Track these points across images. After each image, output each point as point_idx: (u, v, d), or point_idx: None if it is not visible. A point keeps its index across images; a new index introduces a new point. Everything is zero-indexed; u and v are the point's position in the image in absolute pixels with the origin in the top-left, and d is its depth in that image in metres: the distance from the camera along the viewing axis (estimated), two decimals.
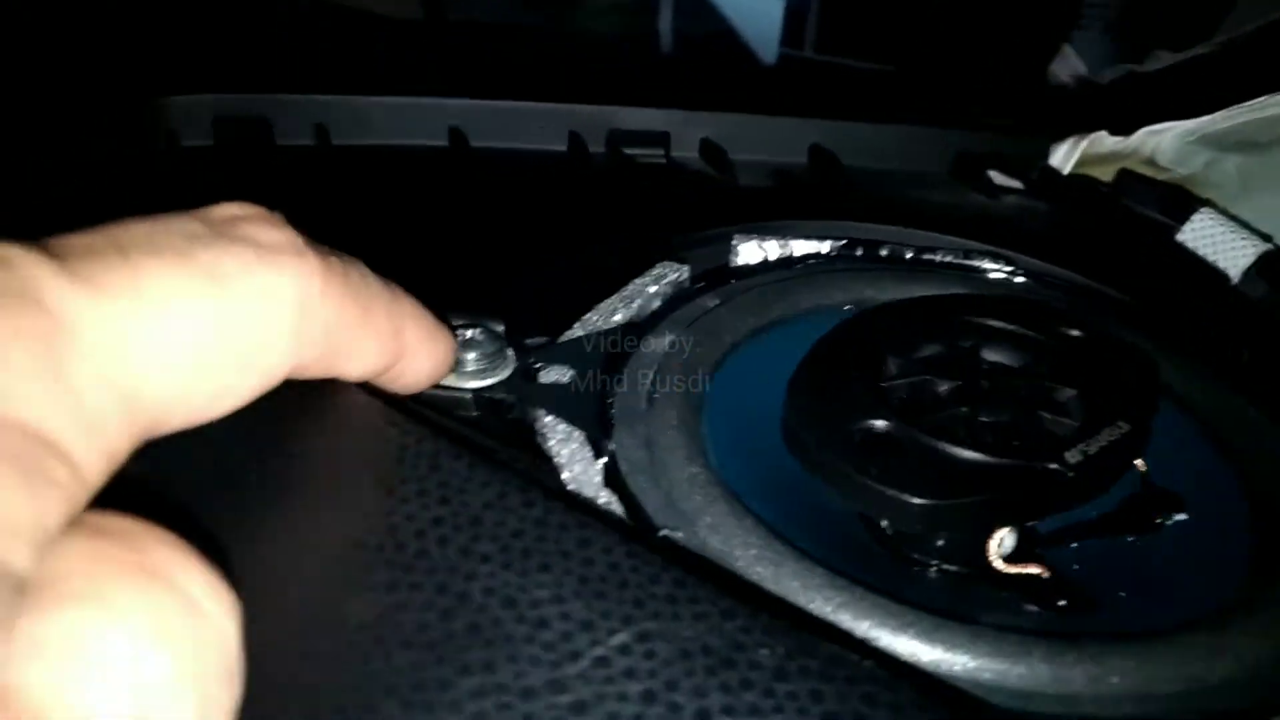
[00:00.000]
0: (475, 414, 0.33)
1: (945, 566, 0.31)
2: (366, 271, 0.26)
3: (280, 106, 0.47)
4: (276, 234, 0.22)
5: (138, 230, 0.20)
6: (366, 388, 0.28)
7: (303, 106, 0.47)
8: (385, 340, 0.26)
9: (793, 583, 0.28)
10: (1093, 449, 0.30)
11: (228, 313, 0.21)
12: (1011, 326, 0.36)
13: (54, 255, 0.18)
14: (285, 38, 0.51)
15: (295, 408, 0.26)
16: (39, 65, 0.43)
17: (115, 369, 0.18)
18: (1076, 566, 0.31)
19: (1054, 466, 0.30)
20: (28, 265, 0.18)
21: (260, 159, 0.45)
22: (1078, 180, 0.51)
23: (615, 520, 0.28)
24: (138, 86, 0.46)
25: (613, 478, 0.31)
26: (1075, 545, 0.32)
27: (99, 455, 0.18)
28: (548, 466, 0.30)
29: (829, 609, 0.27)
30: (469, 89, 0.49)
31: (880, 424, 0.31)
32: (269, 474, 0.25)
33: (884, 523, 0.31)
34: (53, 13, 0.44)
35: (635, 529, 0.28)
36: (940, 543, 0.31)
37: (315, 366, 0.24)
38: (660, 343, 0.36)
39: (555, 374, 0.35)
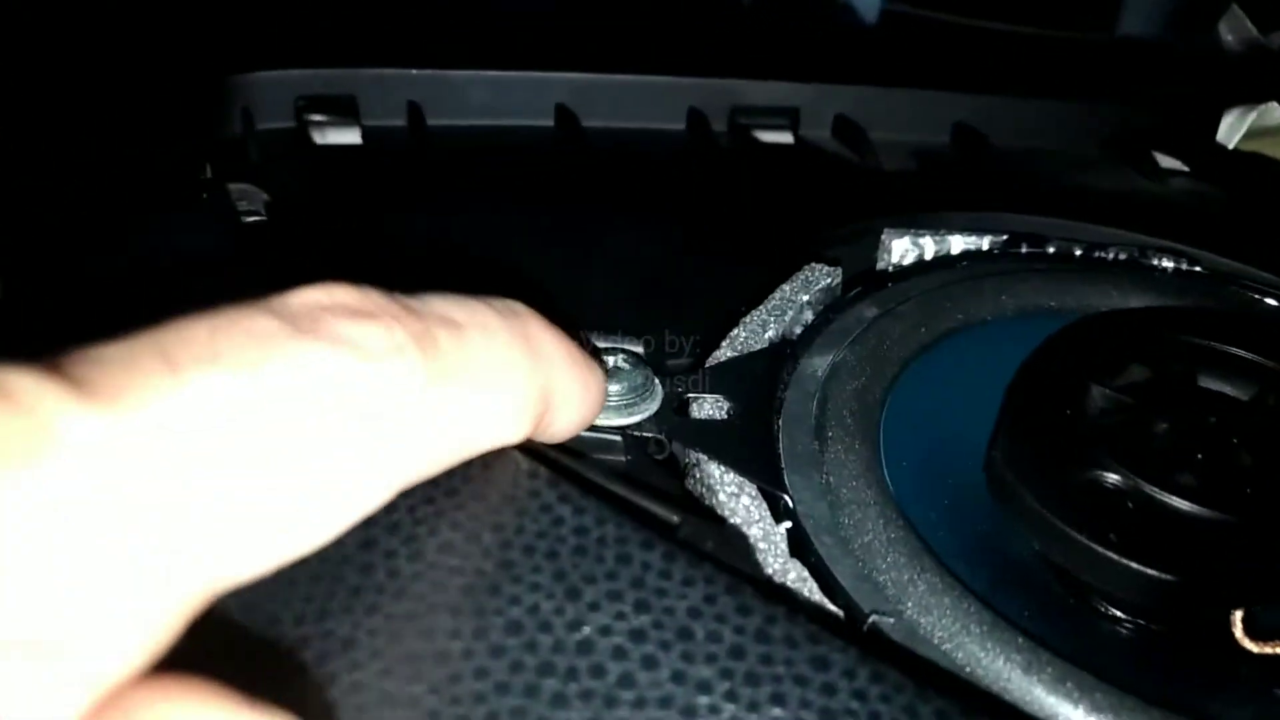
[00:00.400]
0: (626, 458, 0.29)
1: (1154, 627, 0.26)
2: (492, 323, 0.21)
3: (368, 83, 0.42)
4: (369, 329, 0.18)
5: (192, 334, 0.16)
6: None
7: (393, 83, 0.42)
8: (521, 411, 0.22)
9: (1037, 688, 0.23)
10: None
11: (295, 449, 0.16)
12: (1232, 349, 0.31)
13: (77, 385, 0.14)
14: (374, 7, 0.46)
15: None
16: (108, 42, 0.38)
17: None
18: None
19: None
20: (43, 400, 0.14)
21: (344, 141, 0.41)
22: (1247, 159, 0.45)
23: (844, 626, 0.24)
24: (212, 63, 0.41)
25: (798, 543, 0.26)
26: None
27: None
28: (732, 535, 0.26)
29: None
30: (577, 62, 0.44)
31: (1111, 477, 0.27)
32: (410, 568, 0.21)
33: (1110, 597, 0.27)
34: None
35: (860, 631, 0.23)
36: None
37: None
38: (821, 364, 0.32)
39: (709, 407, 0.30)
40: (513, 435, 0.22)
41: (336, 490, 0.18)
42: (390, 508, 0.22)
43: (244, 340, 0.16)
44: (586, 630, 0.20)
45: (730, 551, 0.25)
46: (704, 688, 0.19)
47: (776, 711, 0.19)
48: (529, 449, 0.24)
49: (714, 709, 0.19)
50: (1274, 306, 0.36)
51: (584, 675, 0.19)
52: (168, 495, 0.15)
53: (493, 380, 0.20)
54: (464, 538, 0.21)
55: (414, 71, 0.42)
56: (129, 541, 0.14)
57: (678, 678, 0.19)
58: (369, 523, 0.22)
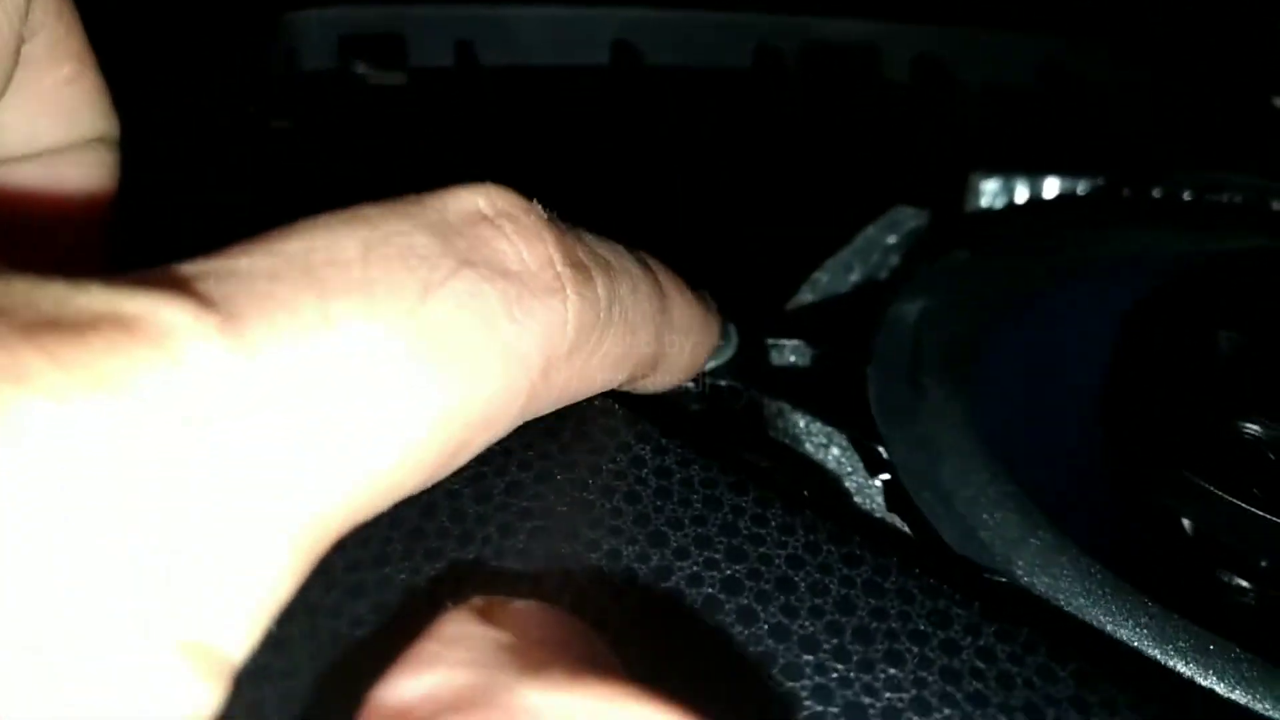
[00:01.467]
0: (698, 407, 0.26)
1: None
2: (635, 272, 0.19)
3: (416, 21, 0.40)
4: (532, 253, 0.16)
5: (344, 254, 0.13)
6: None
7: (442, 20, 0.40)
8: (644, 365, 0.20)
9: (1173, 657, 0.21)
10: None
11: (447, 388, 0.14)
12: None
13: (214, 310, 0.12)
14: None
15: None
16: None
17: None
18: None
19: None
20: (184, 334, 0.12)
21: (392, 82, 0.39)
22: None
23: (966, 579, 0.21)
24: (256, 3, 0.39)
25: (896, 497, 0.24)
26: None
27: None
28: (832, 482, 0.23)
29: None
30: None
31: (1250, 427, 0.24)
32: (475, 510, 0.18)
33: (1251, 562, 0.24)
34: None
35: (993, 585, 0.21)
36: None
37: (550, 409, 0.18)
38: (912, 309, 0.29)
39: (790, 353, 0.28)
40: (616, 385, 0.20)
41: (439, 454, 0.15)
42: None
43: (401, 270, 0.14)
44: (674, 579, 0.17)
45: (831, 500, 0.22)
46: (809, 644, 0.17)
47: (892, 671, 0.16)
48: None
49: (820, 668, 0.16)
50: None
51: (676, 633, 0.17)
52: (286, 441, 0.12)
53: (626, 336, 0.18)
54: (535, 478, 0.19)
55: (464, 7, 0.40)
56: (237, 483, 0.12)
57: (779, 633, 0.17)
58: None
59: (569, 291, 0.16)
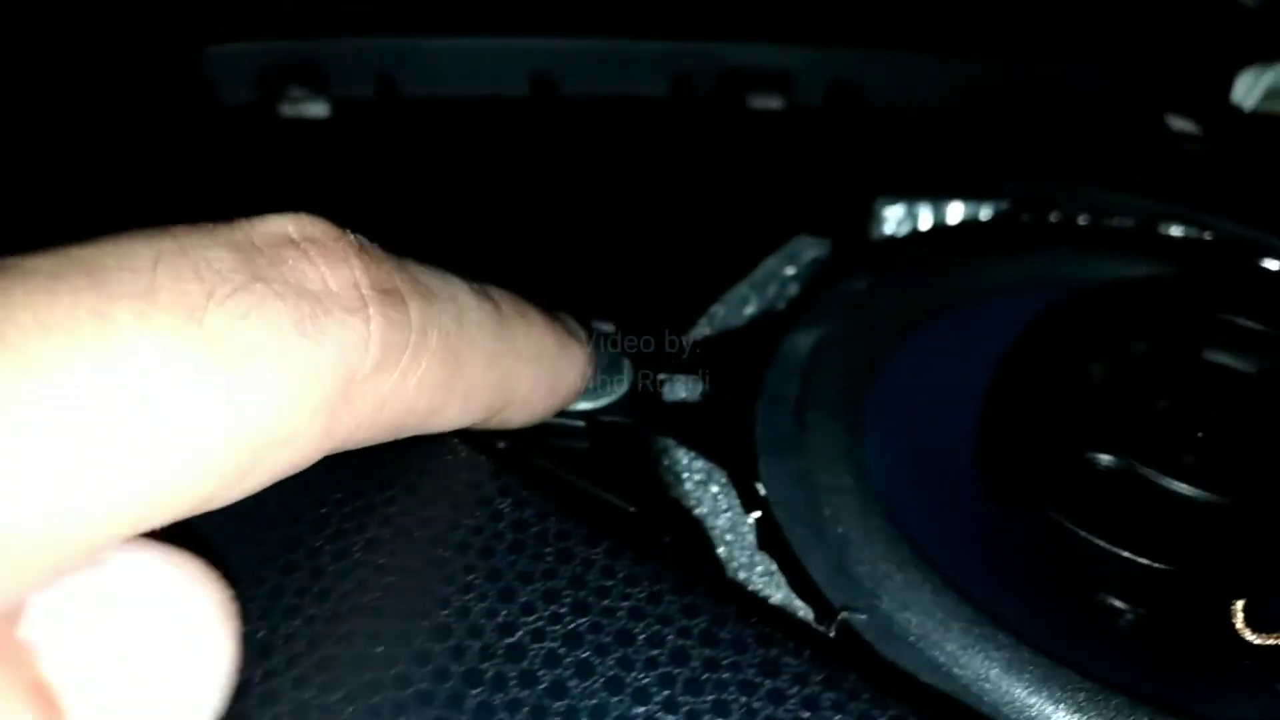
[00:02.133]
0: (588, 445, 0.27)
1: (1149, 618, 0.25)
2: (465, 300, 0.19)
3: (336, 53, 0.40)
4: (335, 275, 0.16)
5: (135, 262, 0.14)
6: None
7: (362, 52, 0.40)
8: (480, 396, 0.20)
9: (1017, 687, 0.22)
10: None
11: (231, 399, 0.14)
12: (1240, 319, 0.29)
13: None
14: None
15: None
16: (69, 20, 0.37)
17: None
18: None
19: None
20: None
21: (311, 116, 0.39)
22: (1264, 121, 0.43)
23: (804, 628, 0.22)
24: (173, 38, 0.40)
25: (768, 535, 0.25)
26: None
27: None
28: (692, 527, 0.24)
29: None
30: (554, 26, 0.42)
31: (1105, 458, 0.25)
32: (334, 567, 0.19)
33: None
34: None
35: (826, 636, 0.22)
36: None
37: (372, 438, 0.18)
38: (805, 341, 0.30)
39: (682, 388, 0.28)
40: (461, 424, 0.20)
41: (231, 465, 0.15)
42: (318, 501, 0.21)
43: (191, 280, 0.14)
44: (519, 634, 0.18)
45: (689, 545, 0.23)
46: (641, 696, 0.18)
47: None
48: (472, 434, 0.23)
49: None
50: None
51: (513, 684, 0.18)
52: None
53: (449, 363, 0.18)
54: (393, 534, 0.20)
55: (384, 40, 0.41)
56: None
57: (613, 686, 0.18)
58: (294, 518, 0.20)
59: (372, 311, 0.16)
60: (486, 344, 0.19)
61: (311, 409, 0.15)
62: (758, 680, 0.18)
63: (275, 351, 0.15)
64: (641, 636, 0.18)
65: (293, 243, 0.16)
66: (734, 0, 0.45)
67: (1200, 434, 0.26)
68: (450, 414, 0.19)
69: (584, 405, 0.27)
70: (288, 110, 0.39)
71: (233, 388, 0.14)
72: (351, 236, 0.17)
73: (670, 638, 0.18)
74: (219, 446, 0.14)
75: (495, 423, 0.22)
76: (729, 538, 0.24)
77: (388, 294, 0.17)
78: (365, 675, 0.18)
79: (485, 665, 0.18)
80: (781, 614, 0.22)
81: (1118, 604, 0.25)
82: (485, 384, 0.20)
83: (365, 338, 0.16)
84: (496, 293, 0.21)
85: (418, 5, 0.42)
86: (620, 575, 0.19)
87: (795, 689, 0.18)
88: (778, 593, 0.23)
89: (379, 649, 0.18)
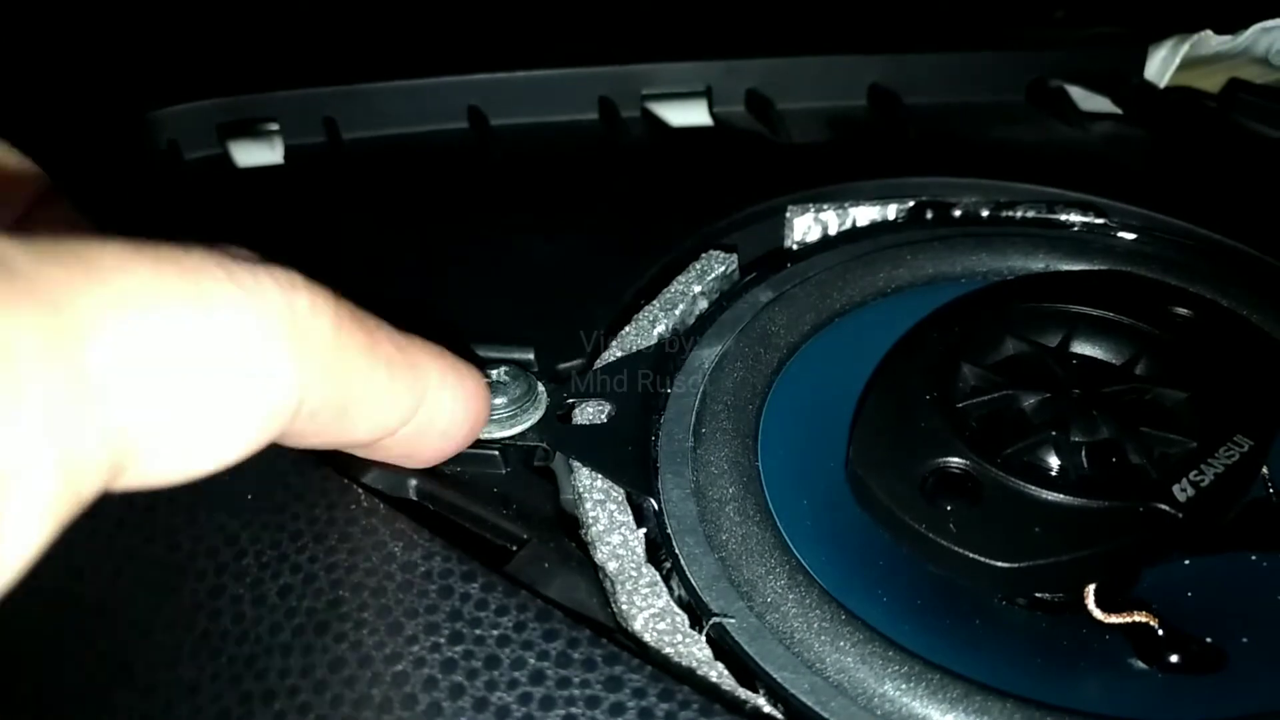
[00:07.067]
0: (504, 471, 0.30)
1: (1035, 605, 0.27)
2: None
3: (285, 104, 0.43)
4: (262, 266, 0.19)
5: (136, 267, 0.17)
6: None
7: (309, 101, 0.43)
8: (397, 378, 0.22)
9: (862, 674, 0.24)
10: (1206, 479, 0.26)
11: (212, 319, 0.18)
12: (1105, 312, 0.31)
13: None
14: (281, 30, 0.47)
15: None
16: (33, 83, 0.40)
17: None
18: (1190, 594, 0.27)
19: (1162, 507, 0.26)
20: None
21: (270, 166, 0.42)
22: (1177, 94, 0.44)
23: (640, 648, 0.25)
24: (133, 100, 0.43)
25: (656, 549, 0.27)
26: (1188, 563, 0.28)
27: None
28: (570, 552, 0.27)
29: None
30: (484, 62, 0.44)
31: (956, 461, 0.27)
32: (252, 613, 0.23)
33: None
34: (43, 30, 0.41)
35: (663, 660, 0.24)
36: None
37: (322, 422, 0.20)
38: (708, 356, 0.33)
39: (591, 412, 0.31)
40: (385, 419, 0.22)
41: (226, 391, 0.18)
42: (238, 553, 0.24)
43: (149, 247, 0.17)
44: (402, 664, 0.22)
45: (577, 567, 0.26)
46: (503, 714, 0.21)
47: None
48: (388, 471, 0.26)
49: None
50: (1180, 257, 0.36)
51: (396, 707, 0.21)
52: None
53: (374, 335, 0.21)
54: (302, 580, 0.23)
55: (327, 89, 0.43)
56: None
57: (479, 706, 0.21)
58: (219, 569, 0.24)
59: (297, 277, 0.19)
60: (389, 328, 0.22)
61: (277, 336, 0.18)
62: (603, 696, 0.21)
63: None
64: (507, 660, 0.22)
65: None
66: (654, 24, 0.47)
67: (1054, 433, 0.28)
68: (376, 399, 0.21)
69: (500, 434, 0.30)
70: (243, 160, 0.42)
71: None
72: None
73: (531, 661, 0.22)
74: None
75: (414, 436, 0.23)
76: (621, 553, 0.27)
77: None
78: (273, 707, 0.21)
79: (374, 691, 0.21)
80: (631, 635, 0.25)
81: (981, 596, 0.27)
82: (399, 361, 0.22)
83: (298, 284, 0.19)
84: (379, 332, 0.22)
85: (356, 52, 0.45)
86: (492, 607, 0.22)
87: (634, 701, 0.21)
88: (659, 601, 0.26)
89: (286, 682, 0.21)
